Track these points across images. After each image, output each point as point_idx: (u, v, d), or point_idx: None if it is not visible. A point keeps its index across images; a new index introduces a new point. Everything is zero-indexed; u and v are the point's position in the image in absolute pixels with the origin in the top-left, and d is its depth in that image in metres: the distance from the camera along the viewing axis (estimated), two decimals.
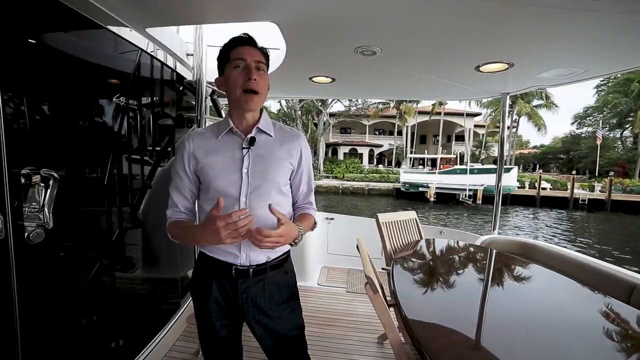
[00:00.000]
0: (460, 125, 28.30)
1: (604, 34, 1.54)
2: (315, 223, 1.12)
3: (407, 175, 21.86)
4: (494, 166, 20.89)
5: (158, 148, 2.11)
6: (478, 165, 21.32)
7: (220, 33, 2.56)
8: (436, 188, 19.63)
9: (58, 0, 1.18)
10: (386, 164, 32.29)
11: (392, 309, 1.45)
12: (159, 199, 2.13)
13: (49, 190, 1.08)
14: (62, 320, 1.30)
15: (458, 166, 22.08)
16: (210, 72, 2.35)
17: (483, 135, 29.34)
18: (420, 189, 20.64)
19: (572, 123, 32.78)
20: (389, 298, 1.72)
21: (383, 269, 2.30)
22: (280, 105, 26.28)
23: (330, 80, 2.61)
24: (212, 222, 0.84)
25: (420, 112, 28.00)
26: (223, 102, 2.80)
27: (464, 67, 2.15)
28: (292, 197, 1.12)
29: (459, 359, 1.04)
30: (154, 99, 2.05)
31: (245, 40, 0.99)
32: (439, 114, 26.02)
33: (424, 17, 1.45)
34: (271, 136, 1.06)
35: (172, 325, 2.19)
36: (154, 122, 2.01)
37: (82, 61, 1.38)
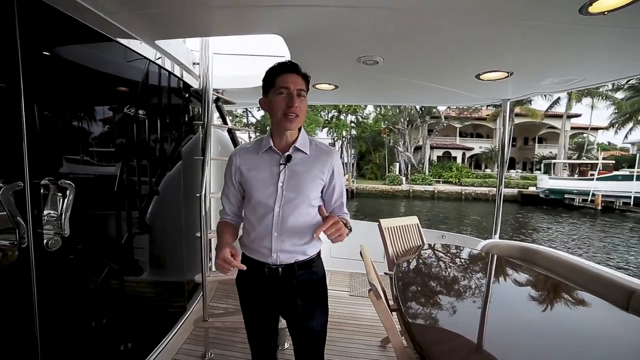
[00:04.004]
0: (551, 127, 26.67)
1: (600, 46, 1.57)
2: (350, 229, 1.18)
3: (554, 182, 19.75)
4: None
5: (165, 155, 2.17)
6: None
7: (226, 42, 2.62)
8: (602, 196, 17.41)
9: (78, 20, 1.24)
10: (474, 167, 30.40)
11: (394, 313, 1.48)
12: (165, 204, 2.18)
13: (66, 200, 1.13)
14: (74, 323, 1.35)
15: (618, 172, 18.97)
16: (216, 79, 2.40)
17: (586, 135, 26.37)
18: (566, 196, 18.85)
19: None
20: (391, 302, 1.75)
21: (385, 273, 2.33)
22: (384, 108, 25.27)
23: (333, 87, 2.66)
24: (220, 251, 1.03)
25: (517, 115, 25.97)
26: (227, 108, 2.85)
27: (465, 76, 2.19)
28: (325, 208, 1.21)
29: None
30: (162, 107, 2.11)
31: (290, 68, 1.09)
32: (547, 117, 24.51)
33: (424, 28, 1.49)
34: (306, 154, 1.16)
35: (179, 328, 2.23)
36: (161, 129, 2.07)
37: (94, 72, 1.44)
